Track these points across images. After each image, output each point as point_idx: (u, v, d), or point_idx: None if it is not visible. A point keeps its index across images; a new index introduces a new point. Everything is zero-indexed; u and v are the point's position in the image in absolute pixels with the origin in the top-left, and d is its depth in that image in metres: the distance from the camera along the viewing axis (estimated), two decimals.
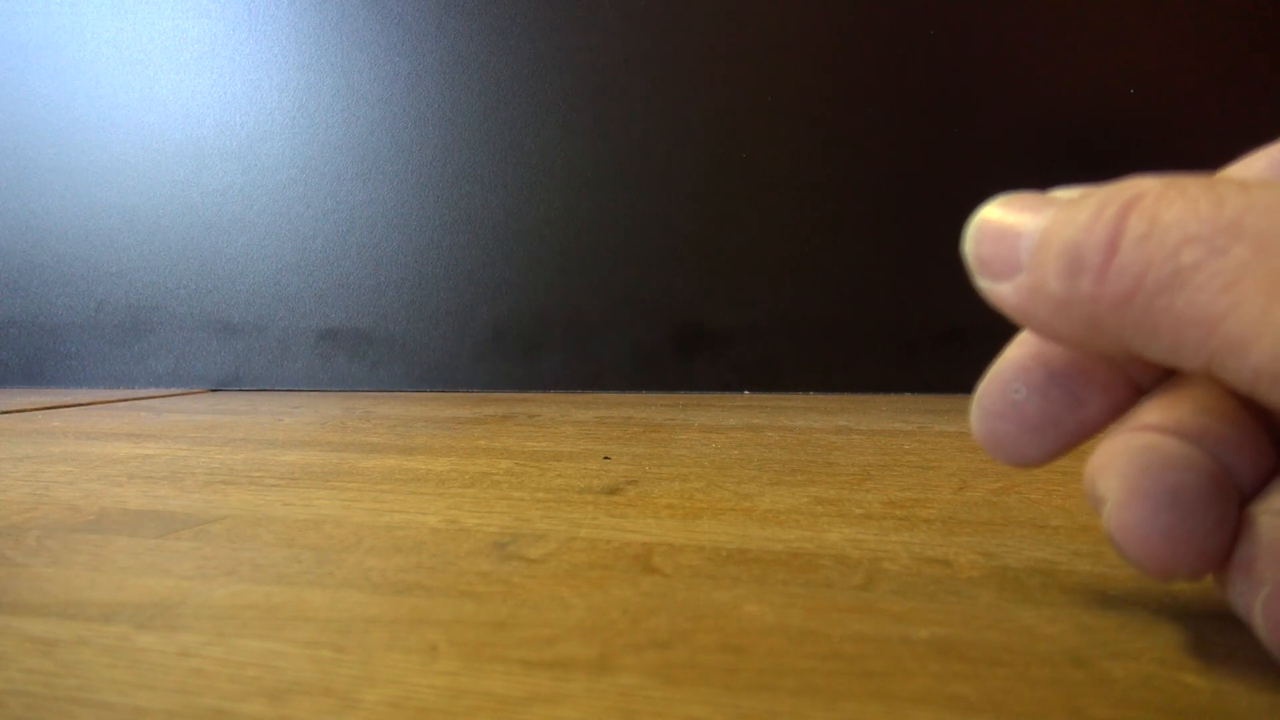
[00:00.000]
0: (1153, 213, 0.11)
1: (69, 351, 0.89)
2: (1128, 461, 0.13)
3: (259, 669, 0.14)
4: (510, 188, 0.80)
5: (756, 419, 0.52)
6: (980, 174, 0.72)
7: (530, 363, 0.80)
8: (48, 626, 0.16)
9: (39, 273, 0.90)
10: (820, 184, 0.75)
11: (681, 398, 0.71)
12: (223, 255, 0.86)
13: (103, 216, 0.88)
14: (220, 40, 0.85)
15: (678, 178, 0.77)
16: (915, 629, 0.15)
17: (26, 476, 0.33)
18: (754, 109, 0.76)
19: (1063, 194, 0.13)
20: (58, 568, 0.20)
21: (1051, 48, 0.71)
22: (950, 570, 0.19)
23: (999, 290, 0.13)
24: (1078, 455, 0.15)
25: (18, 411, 0.60)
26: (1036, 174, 0.71)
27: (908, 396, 0.70)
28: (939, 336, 0.73)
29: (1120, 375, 0.15)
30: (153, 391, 0.82)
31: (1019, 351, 0.15)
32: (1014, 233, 0.13)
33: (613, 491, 0.29)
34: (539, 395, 0.75)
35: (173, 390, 0.84)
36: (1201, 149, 0.69)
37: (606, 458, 0.36)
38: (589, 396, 0.73)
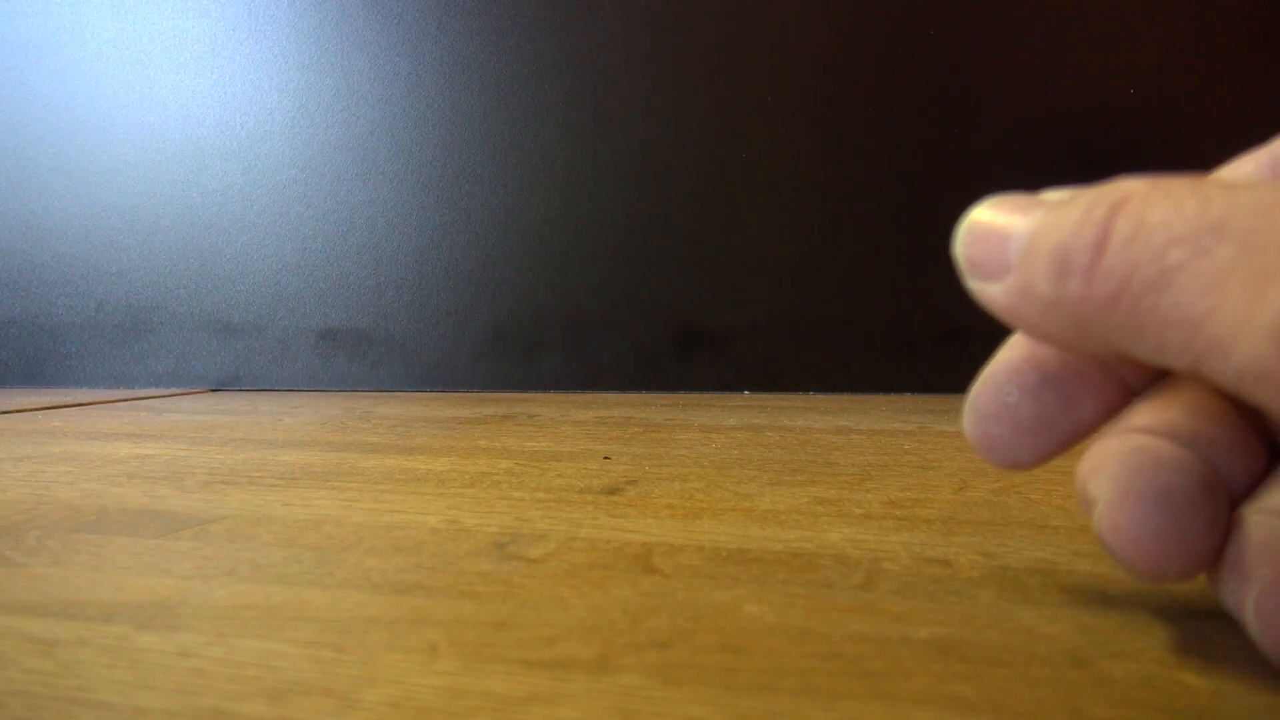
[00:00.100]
0: (1139, 214, 0.11)
1: (69, 351, 0.89)
2: (1119, 463, 0.13)
3: (259, 669, 0.14)
4: (510, 188, 0.80)
5: (756, 419, 0.52)
6: (980, 174, 0.72)
7: (530, 363, 0.80)
8: (48, 626, 0.16)
9: (39, 273, 0.90)
10: (820, 184, 0.75)
11: (681, 398, 0.71)
12: (223, 255, 0.86)
13: (103, 216, 0.88)
14: (220, 40, 0.85)
15: (678, 178, 0.77)
16: (915, 629, 0.15)
17: (26, 476, 0.33)
18: (754, 109, 0.76)
19: (1052, 196, 0.13)
20: (58, 568, 0.20)
21: (1051, 48, 0.71)
22: (950, 570, 0.19)
23: (989, 291, 0.13)
24: (1077, 455, 0.15)
25: (18, 411, 0.60)
26: (1036, 174, 0.71)
27: (908, 396, 0.70)
28: (939, 336, 0.73)
29: (1112, 377, 0.15)
30: (153, 391, 0.82)
31: (1011, 354, 0.15)
32: (1003, 234, 0.13)
33: (613, 491, 0.29)
34: (539, 395, 0.75)
35: (173, 390, 0.84)
36: (1201, 149, 0.69)
37: (606, 458, 0.36)
38: (589, 396, 0.73)
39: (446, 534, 0.23)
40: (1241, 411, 0.14)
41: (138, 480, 0.31)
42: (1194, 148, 0.69)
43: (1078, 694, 0.12)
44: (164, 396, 0.76)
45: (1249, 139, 0.16)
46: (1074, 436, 0.15)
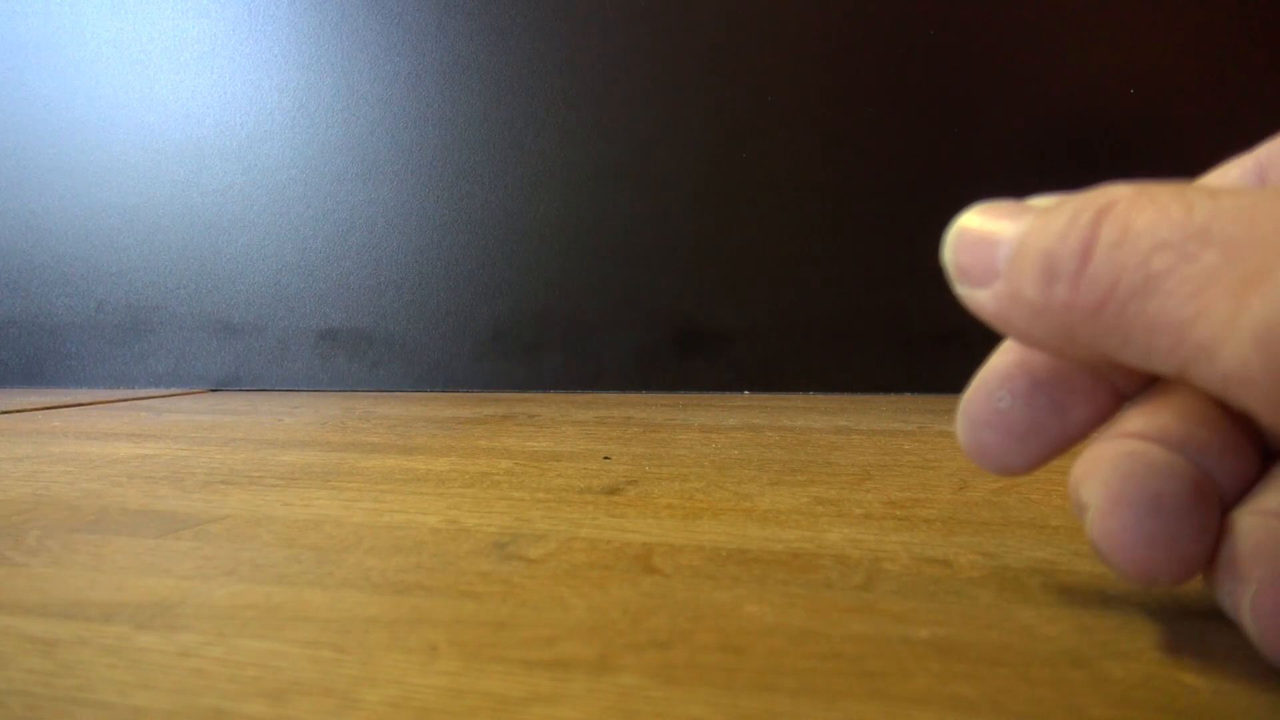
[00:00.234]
0: (1125, 220, 0.11)
1: (69, 351, 0.89)
2: (1111, 469, 0.13)
3: (259, 669, 0.14)
4: (510, 188, 0.80)
5: (756, 419, 0.52)
6: (980, 174, 0.72)
7: (530, 363, 0.80)
8: (48, 626, 0.16)
9: (39, 273, 0.90)
10: (820, 184, 0.75)
11: (681, 398, 0.71)
12: (223, 255, 0.86)
13: (103, 216, 0.88)
14: (220, 40, 0.85)
15: (678, 178, 0.77)
16: (915, 629, 0.15)
17: (26, 476, 0.33)
18: (754, 109, 0.76)
19: (1040, 202, 0.13)
20: (58, 568, 0.20)
21: (1051, 48, 0.71)
22: (950, 570, 0.19)
23: (977, 297, 0.13)
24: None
25: (18, 411, 0.60)
26: (1036, 174, 0.71)
27: (908, 396, 0.70)
28: (939, 336, 0.73)
29: (1103, 382, 0.15)
30: (153, 391, 0.82)
31: (1003, 360, 0.15)
32: (992, 240, 0.13)
33: (613, 491, 0.29)
34: (539, 395, 0.75)
35: (173, 390, 0.84)
36: (1201, 149, 0.69)
37: (606, 458, 0.36)
38: (589, 396, 0.73)
39: (446, 534, 0.23)
40: (1232, 415, 0.14)
41: (138, 480, 0.31)
42: (1193, 148, 0.69)
43: (1078, 694, 0.12)
44: (164, 396, 0.76)
45: (1249, 139, 0.16)
46: (1066, 442, 0.15)
